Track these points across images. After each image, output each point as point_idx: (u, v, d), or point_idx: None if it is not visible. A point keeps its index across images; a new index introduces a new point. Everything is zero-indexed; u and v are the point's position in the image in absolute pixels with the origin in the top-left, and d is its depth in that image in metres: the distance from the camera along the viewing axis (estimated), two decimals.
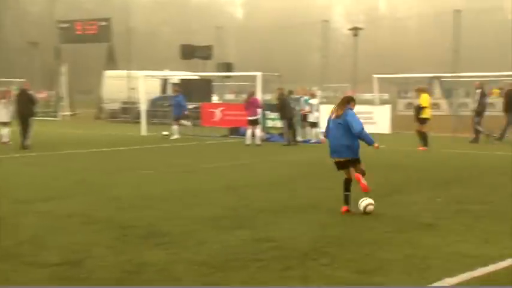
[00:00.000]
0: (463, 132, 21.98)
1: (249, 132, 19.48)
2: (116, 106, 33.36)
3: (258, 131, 19.70)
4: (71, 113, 36.56)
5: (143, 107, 24.76)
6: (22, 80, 30.02)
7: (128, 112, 32.86)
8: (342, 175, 12.12)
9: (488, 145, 19.15)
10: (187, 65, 33.69)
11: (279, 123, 20.92)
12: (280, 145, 19.39)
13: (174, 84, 30.63)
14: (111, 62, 39.01)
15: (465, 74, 25.99)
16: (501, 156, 15.86)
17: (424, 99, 18.57)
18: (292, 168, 13.49)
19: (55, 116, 34.25)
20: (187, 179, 11.85)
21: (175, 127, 22.17)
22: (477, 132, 20.20)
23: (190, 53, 33.42)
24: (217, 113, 27.60)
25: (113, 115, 33.50)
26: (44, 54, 41.83)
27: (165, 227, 7.52)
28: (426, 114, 18.36)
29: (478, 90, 20.60)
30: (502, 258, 6.21)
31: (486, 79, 29.31)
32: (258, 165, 14.26)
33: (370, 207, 8.34)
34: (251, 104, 19.52)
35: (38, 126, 28.26)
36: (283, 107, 19.51)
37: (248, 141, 19.30)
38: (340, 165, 8.58)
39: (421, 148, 17.36)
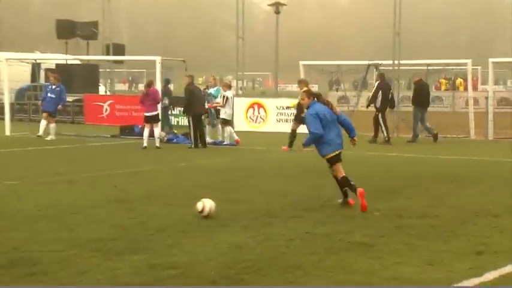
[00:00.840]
0: (405, 131, 22.82)
1: (146, 131, 19.33)
2: None
3: (158, 131, 19.59)
4: None
5: (7, 99, 24.03)
6: None
7: None
8: (263, 185, 12.26)
9: (427, 146, 19.98)
10: (65, 46, 32.95)
11: (183, 121, 20.92)
12: (186, 148, 19.37)
13: (48, 70, 29.81)
14: None
15: (408, 62, 26.95)
16: (445, 161, 16.59)
17: None
18: (200, 176, 13.50)
19: None
20: (66, 191, 11.61)
21: (52, 125, 21.68)
22: (376, 130, 21.13)
23: (69, 30, 32.73)
24: (105, 107, 27.22)
25: None
26: None
27: (34, 254, 7.33)
28: None
29: (377, 82, 21.55)
30: (448, 282, 6.49)
31: (432, 68, 30.57)
32: (157, 173, 14.18)
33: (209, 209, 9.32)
34: (150, 96, 19.33)
35: None
36: (190, 99, 19.45)
37: (145, 142, 19.16)
38: (337, 158, 10.31)
39: (284, 148, 18.43)
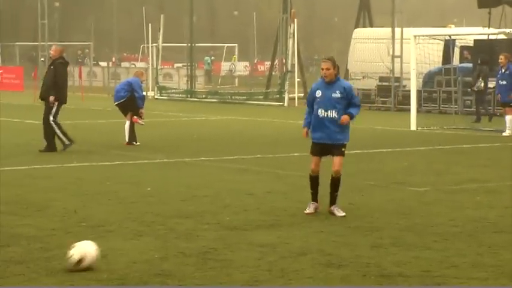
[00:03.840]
0: None
1: None
2: (370, 84, 33.85)
3: None
4: (302, 95, 37.78)
5: (414, 86, 24.41)
6: None
7: (386, 94, 33.03)
8: None
9: None
10: (487, 17, 32.74)
11: None
12: None
13: (464, 48, 29.95)
14: (364, 14, 39.25)
15: None
16: None
17: None
18: None
19: (280, 100, 35.78)
20: (485, 202, 11.67)
21: (509, 117, 21.72)
22: None
23: None
24: None
25: (366, 98, 33.89)
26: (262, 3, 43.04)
27: (450, 280, 7.50)
28: None
29: None
30: None
31: None
32: None
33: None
34: None
35: (251, 113, 29.85)
36: None
37: None
38: None
39: None
